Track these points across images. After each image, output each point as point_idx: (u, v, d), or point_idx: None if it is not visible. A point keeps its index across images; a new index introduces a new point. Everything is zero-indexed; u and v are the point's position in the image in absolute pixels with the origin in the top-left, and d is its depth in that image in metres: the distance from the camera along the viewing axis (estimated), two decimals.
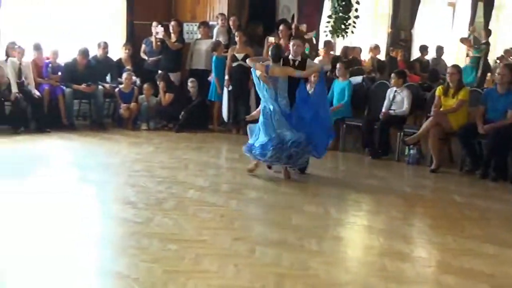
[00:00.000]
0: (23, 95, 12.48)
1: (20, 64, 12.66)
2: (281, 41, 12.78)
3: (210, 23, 14.52)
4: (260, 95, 9.48)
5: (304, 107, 9.27)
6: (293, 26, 13.66)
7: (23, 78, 12.68)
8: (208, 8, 14.98)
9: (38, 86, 12.95)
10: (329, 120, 9.67)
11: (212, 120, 13.89)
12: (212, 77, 13.66)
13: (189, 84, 13.72)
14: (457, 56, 19.88)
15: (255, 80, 9.50)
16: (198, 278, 5.36)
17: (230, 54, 13.18)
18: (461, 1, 21.02)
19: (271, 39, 12.94)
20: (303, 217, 7.46)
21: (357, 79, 12.89)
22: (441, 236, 6.94)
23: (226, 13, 14.35)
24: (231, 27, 14.08)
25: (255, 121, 9.69)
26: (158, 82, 13.66)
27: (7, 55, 12.81)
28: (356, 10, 14.94)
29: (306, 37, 13.01)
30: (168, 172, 9.58)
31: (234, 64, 13.11)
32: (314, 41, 12.88)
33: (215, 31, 14.27)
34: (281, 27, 13.02)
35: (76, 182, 9.02)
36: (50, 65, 13.44)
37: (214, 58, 13.57)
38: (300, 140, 9.07)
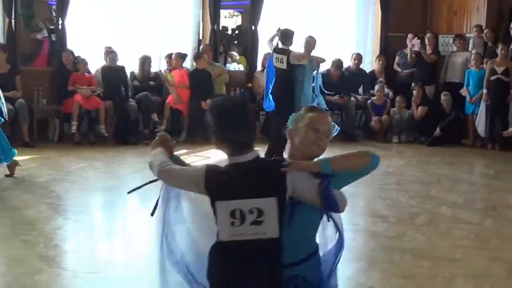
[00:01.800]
0: None
1: None
2: None
3: (467, 35, 14.12)
4: None
5: None
6: None
7: None
8: (465, 20, 14.55)
9: None
10: None
11: (466, 135, 13.46)
12: (464, 91, 13.28)
13: (442, 97, 13.42)
14: None
15: None
16: None
17: (489, 67, 12.72)
18: None
19: None
20: None
21: None
22: None
23: (484, 24, 13.86)
24: (485, 39, 13.62)
25: None
26: (413, 91, 13.46)
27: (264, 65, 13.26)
28: None
29: None
30: (420, 186, 9.43)
31: (493, 78, 12.65)
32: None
33: (470, 43, 13.87)
34: None
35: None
36: None
37: (467, 70, 13.23)
38: None
